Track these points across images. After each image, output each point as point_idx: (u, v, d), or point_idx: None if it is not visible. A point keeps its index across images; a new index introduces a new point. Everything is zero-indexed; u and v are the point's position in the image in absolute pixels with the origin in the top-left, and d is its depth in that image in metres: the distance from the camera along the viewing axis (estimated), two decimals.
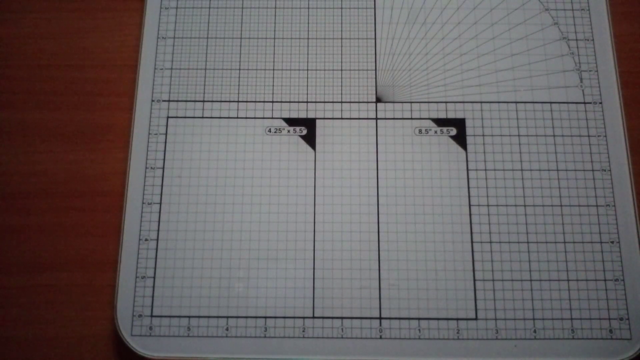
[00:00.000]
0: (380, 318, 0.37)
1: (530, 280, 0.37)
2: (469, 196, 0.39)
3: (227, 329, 0.37)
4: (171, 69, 0.43)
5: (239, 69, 0.43)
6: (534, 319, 0.36)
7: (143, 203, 0.39)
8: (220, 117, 0.41)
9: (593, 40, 0.43)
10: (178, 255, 0.38)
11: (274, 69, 0.43)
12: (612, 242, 0.38)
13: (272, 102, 0.42)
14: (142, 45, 0.43)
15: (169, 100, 0.42)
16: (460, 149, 0.40)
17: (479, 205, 0.39)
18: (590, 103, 0.41)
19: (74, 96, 0.43)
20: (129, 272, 0.38)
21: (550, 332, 0.36)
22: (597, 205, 0.39)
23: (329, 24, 0.44)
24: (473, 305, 0.37)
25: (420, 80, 0.42)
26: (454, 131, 0.41)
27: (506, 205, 0.39)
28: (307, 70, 0.42)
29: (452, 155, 0.40)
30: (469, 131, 0.41)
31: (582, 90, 0.41)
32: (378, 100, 0.42)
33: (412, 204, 0.39)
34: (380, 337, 0.36)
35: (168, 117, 0.41)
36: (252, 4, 0.44)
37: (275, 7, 0.44)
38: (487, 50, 0.43)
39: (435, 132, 0.41)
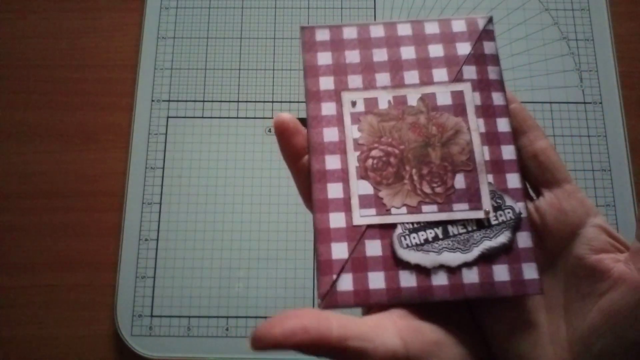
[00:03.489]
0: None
1: None
2: None
3: (227, 329, 0.37)
4: (171, 69, 0.43)
5: (239, 69, 0.43)
6: None
7: (143, 203, 0.39)
8: (220, 117, 0.41)
9: (593, 40, 0.43)
10: (178, 255, 0.38)
11: (273, 69, 0.43)
12: None
13: (272, 102, 0.42)
14: (142, 45, 0.43)
15: (169, 100, 0.42)
16: None
17: None
18: (590, 103, 0.41)
19: (74, 96, 0.43)
20: (129, 272, 0.38)
21: None
22: (597, 205, 0.39)
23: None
24: None
25: None
26: None
27: None
28: None
29: None
30: None
31: (582, 90, 0.41)
32: None
33: None
34: None
35: (168, 117, 0.41)
36: (252, 4, 0.44)
37: (275, 7, 0.44)
38: None
39: None
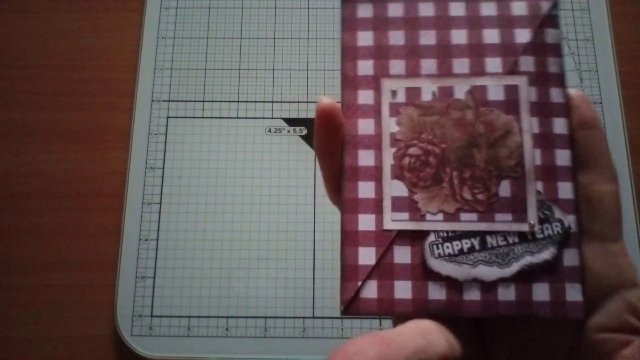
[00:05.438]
0: (380, 318, 0.37)
1: None
2: None
3: (227, 329, 0.37)
4: (171, 69, 0.43)
5: (239, 69, 0.43)
6: None
7: (143, 203, 0.40)
8: (220, 117, 0.41)
9: (593, 40, 0.43)
10: (178, 255, 0.38)
11: (274, 69, 0.43)
12: None
13: (272, 102, 0.42)
14: (142, 45, 0.43)
15: (169, 100, 0.42)
16: None
17: None
18: None
19: (74, 96, 0.43)
20: (129, 272, 0.38)
21: None
22: None
23: (329, 24, 0.44)
24: None
25: None
26: None
27: None
28: (307, 70, 0.42)
29: None
30: None
31: (582, 91, 0.41)
32: None
33: None
34: None
35: (168, 117, 0.41)
36: (252, 4, 0.44)
37: (275, 7, 0.44)
38: None
39: None
